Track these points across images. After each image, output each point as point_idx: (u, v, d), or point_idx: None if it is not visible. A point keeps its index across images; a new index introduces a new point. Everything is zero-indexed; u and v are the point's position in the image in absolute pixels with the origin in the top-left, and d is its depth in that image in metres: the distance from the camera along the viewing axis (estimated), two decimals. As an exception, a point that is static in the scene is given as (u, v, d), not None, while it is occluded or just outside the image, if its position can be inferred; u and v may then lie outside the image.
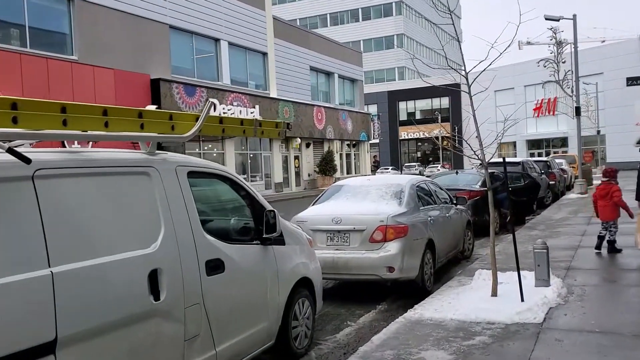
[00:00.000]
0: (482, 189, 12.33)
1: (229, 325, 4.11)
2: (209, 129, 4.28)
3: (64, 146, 3.92)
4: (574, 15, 23.76)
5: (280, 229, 4.77)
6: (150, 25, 23.78)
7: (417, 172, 48.51)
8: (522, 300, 5.95)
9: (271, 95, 32.20)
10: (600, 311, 5.87)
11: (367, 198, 7.72)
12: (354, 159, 43.15)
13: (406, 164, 61.11)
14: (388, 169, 55.99)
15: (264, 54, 32.35)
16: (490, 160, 6.47)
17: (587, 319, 5.54)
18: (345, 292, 7.98)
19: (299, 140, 34.07)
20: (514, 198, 12.02)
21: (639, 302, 6.22)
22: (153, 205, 3.60)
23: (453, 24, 6.74)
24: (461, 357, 4.62)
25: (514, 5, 7.58)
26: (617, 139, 50.14)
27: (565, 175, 25.55)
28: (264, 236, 4.61)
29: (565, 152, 48.22)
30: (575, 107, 24.51)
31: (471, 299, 6.16)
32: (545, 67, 31.54)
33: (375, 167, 57.72)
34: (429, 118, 61.51)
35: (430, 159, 66.88)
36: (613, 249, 8.97)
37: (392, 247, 6.89)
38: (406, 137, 69.90)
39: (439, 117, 57.79)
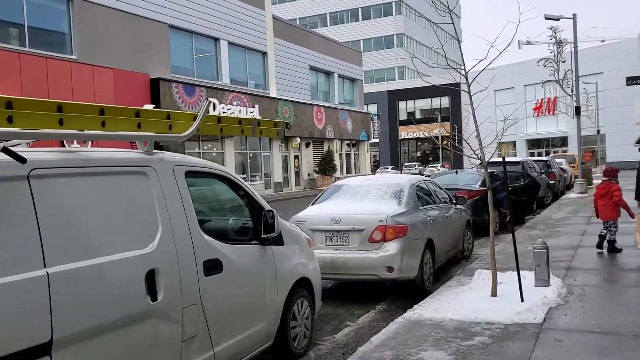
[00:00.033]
0: (481, 188, 12.31)
1: (227, 325, 4.08)
2: (207, 128, 4.26)
3: (64, 146, 3.89)
4: (574, 15, 23.74)
5: (278, 229, 4.74)
6: (150, 24, 23.76)
7: (417, 171, 48.52)
8: (522, 300, 5.93)
9: (271, 95, 32.18)
10: (601, 311, 5.85)
11: (367, 198, 7.70)
12: (354, 158, 43.15)
13: (406, 164, 61.11)
14: (388, 168, 56.00)
15: (264, 54, 32.33)
16: (490, 160, 6.45)
17: (587, 319, 5.52)
18: (344, 292, 7.96)
19: (298, 139, 34.06)
20: (514, 198, 12.00)
21: (639, 302, 6.20)
22: (150, 205, 3.58)
23: (452, 23, 6.71)
24: (460, 358, 4.59)
25: (514, 4, 7.57)
26: (617, 139, 50.14)
27: (565, 175, 25.54)
28: (262, 236, 4.58)
29: (565, 151, 48.23)
30: (575, 106, 24.48)
31: (471, 299, 6.13)
32: (545, 66, 31.50)
33: (375, 166, 57.71)
34: (428, 118, 61.47)
35: (430, 158, 66.88)
36: (613, 249, 8.95)
37: (392, 247, 6.87)
38: (406, 137, 69.90)
39: (439, 117, 57.77)
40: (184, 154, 4.63)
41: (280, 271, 4.81)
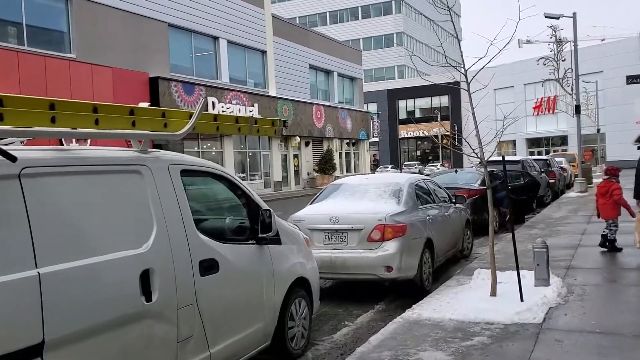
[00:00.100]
0: (481, 187, 12.27)
1: (223, 326, 4.04)
2: (203, 126, 4.22)
3: (62, 144, 3.85)
4: (574, 14, 23.70)
5: (276, 229, 4.70)
6: (149, 23, 23.71)
7: (417, 170, 48.50)
8: (522, 300, 5.89)
9: (270, 94, 32.14)
10: (601, 311, 5.81)
11: (365, 197, 7.65)
12: (354, 157, 43.12)
13: (406, 163, 61.12)
14: (387, 167, 55.96)
15: (263, 52, 32.28)
16: (490, 159, 6.41)
17: (587, 319, 5.48)
18: (343, 291, 7.92)
19: (298, 139, 34.01)
20: (514, 197, 11.96)
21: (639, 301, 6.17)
22: (145, 204, 3.53)
23: (452, 21, 6.67)
24: (460, 358, 4.55)
25: (514, 3, 7.54)
26: (617, 137, 50.15)
27: (565, 174, 25.52)
28: (259, 235, 4.53)
29: (565, 150, 48.23)
30: (575, 105, 24.44)
31: (470, 299, 6.09)
32: (545, 65, 31.46)
33: (375, 165, 57.71)
34: (428, 116, 61.43)
35: (430, 157, 66.86)
36: (613, 248, 8.91)
37: (390, 247, 6.83)
38: (406, 136, 69.88)
39: (439, 116, 57.75)
40: (183, 152, 4.58)
41: (277, 271, 4.76)
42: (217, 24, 28.07)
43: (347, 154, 42.01)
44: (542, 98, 56.03)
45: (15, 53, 17.86)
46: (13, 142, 3.42)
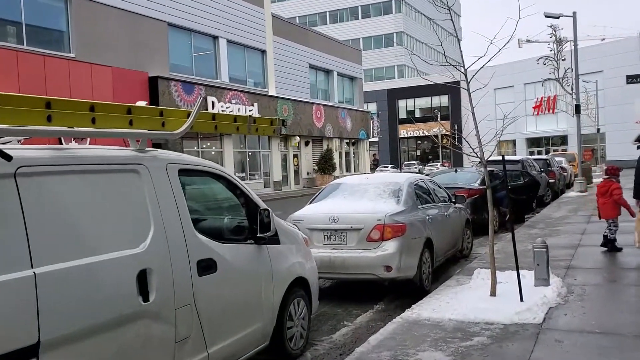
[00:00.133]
0: (481, 187, 12.25)
1: (221, 326, 4.02)
2: (201, 125, 4.20)
3: (61, 143, 3.82)
4: (574, 13, 23.67)
5: (274, 228, 4.68)
6: (149, 22, 23.68)
7: (417, 170, 48.49)
8: (522, 300, 5.87)
9: (270, 93, 32.12)
10: (601, 311, 5.79)
11: (365, 196, 7.63)
12: (353, 157, 43.09)
13: (405, 162, 61.09)
14: (387, 167, 55.96)
15: (263, 52, 32.26)
16: (489, 158, 6.38)
17: (588, 319, 5.46)
18: (342, 291, 7.90)
19: (297, 138, 33.99)
20: (514, 196, 11.94)
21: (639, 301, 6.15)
22: (142, 204, 3.51)
23: (452, 20, 6.65)
24: (459, 358, 4.53)
25: (514, 2, 7.51)
26: (617, 137, 50.12)
27: (565, 174, 25.50)
28: (258, 235, 4.51)
29: (565, 150, 48.24)
30: (575, 105, 24.41)
31: (470, 299, 6.07)
32: (545, 64, 31.44)
33: (375, 165, 57.68)
34: (428, 116, 61.38)
35: (430, 157, 66.83)
36: (613, 248, 8.89)
37: (390, 246, 6.81)
38: (406, 136, 69.86)
39: (439, 115, 57.72)
40: (182, 152, 4.56)
41: (276, 271, 4.74)
42: (216, 23, 28.04)
43: (347, 154, 41.98)
44: (542, 98, 55.99)
45: (14, 52, 17.83)
46: (10, 141, 3.40)
